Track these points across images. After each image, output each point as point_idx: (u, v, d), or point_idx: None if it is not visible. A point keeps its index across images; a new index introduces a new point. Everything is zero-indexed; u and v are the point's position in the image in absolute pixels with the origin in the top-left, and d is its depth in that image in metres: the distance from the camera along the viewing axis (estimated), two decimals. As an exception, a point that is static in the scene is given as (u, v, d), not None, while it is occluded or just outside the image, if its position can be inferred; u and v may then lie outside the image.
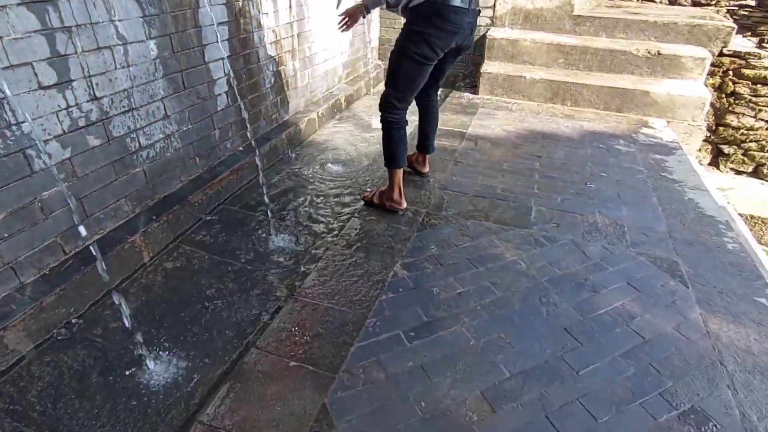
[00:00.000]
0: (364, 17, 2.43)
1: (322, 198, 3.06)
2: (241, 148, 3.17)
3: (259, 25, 3.19)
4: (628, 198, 2.93)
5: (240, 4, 2.96)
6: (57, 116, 1.97)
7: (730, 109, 4.91)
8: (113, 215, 2.32)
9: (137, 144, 2.38)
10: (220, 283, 2.26)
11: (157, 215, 2.45)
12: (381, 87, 5.25)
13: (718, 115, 4.99)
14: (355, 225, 2.56)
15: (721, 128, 4.99)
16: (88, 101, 2.09)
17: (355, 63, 4.88)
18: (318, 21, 3.98)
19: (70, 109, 2.02)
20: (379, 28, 5.31)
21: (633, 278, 2.21)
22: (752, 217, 4.26)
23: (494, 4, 4.84)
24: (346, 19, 2.42)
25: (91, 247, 1.85)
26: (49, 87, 1.91)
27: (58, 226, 2.04)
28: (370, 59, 5.25)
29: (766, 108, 4.76)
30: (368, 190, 2.95)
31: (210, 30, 2.76)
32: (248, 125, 3.24)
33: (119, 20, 2.18)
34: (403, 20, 2.38)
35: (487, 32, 4.81)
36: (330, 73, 4.36)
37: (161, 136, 2.53)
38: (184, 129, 2.70)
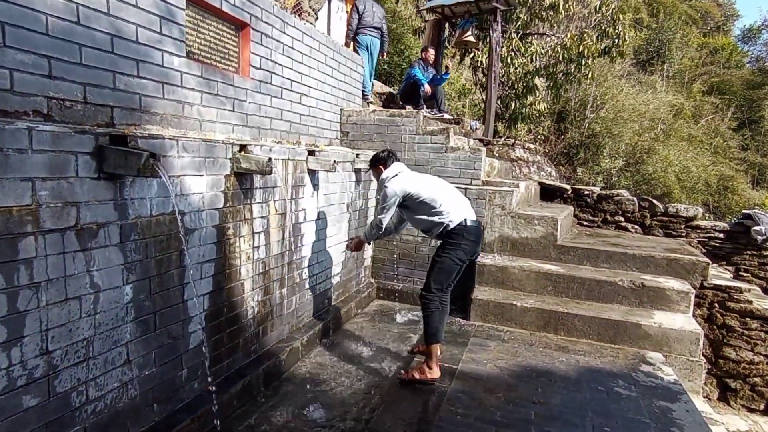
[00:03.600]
0: (368, 244, 3.55)
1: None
2: (210, 388, 2.88)
3: (248, 259, 3.19)
4: None
5: (231, 240, 2.99)
6: (-7, 377, 1.75)
7: (726, 341, 4.84)
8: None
9: (84, 397, 2.11)
10: None
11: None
12: (373, 306, 5.22)
13: (715, 347, 4.89)
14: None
15: (721, 361, 4.85)
16: (36, 357, 1.89)
17: (347, 283, 4.88)
18: (312, 246, 4.05)
19: (11, 368, 1.81)
20: (373, 248, 5.45)
21: None
22: None
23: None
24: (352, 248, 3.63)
25: None
26: (-6, 346, 1.74)
27: None
28: (363, 278, 5.28)
29: (761, 342, 4.69)
30: (403, 372, 3.51)
31: (195, 268, 2.72)
32: (222, 361, 3.01)
33: (97, 269, 2.12)
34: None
35: (476, 258, 4.91)
36: (320, 296, 4.30)
37: (116, 384, 2.28)
38: (146, 374, 2.46)
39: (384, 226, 3.56)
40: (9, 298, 1.75)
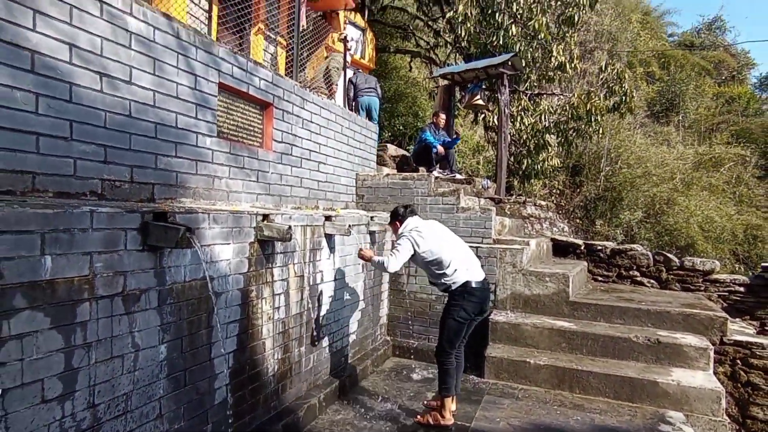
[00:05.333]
0: (377, 265, 3.87)
1: None
2: (233, 443, 3.05)
3: (269, 319, 3.42)
4: None
5: (254, 301, 3.24)
6: (48, 428, 1.98)
7: (752, 400, 4.71)
8: None
9: (121, 451, 2.32)
10: None
11: None
12: (389, 364, 5.33)
13: (741, 406, 4.77)
14: None
15: (749, 421, 4.72)
16: (83, 410, 2.13)
17: (363, 341, 5.03)
18: (329, 305, 4.27)
19: (63, 419, 2.04)
20: (388, 306, 5.62)
21: None
22: None
23: (495, 290, 5.18)
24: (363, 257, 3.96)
25: None
26: (50, 400, 1.98)
27: None
28: (379, 336, 5.42)
29: None
30: (419, 416, 3.88)
31: (221, 328, 2.95)
32: (244, 417, 3.18)
33: (138, 330, 2.38)
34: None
35: (489, 315, 5.03)
36: (337, 354, 4.47)
37: (150, 438, 2.49)
38: (176, 427, 2.66)
39: (390, 265, 3.66)
40: (66, 356, 2.02)
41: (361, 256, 4.00)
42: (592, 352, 4.68)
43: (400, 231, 3.84)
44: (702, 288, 6.20)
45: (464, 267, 3.69)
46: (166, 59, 3.07)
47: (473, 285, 3.64)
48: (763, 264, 6.31)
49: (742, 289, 6.04)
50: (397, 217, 3.93)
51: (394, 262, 3.65)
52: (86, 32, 2.60)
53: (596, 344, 4.67)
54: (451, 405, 3.80)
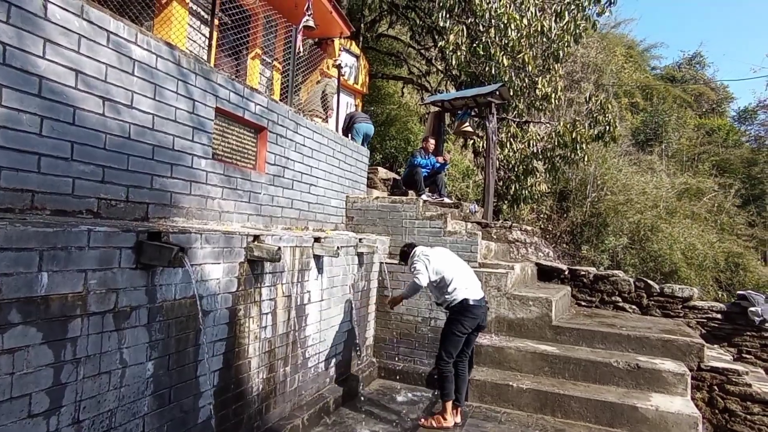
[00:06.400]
0: (403, 302, 4.61)
1: None
2: (216, 463, 3.07)
3: (256, 338, 3.47)
4: None
5: (241, 320, 3.30)
6: (33, 444, 2.02)
7: (729, 426, 4.77)
8: None
9: (103, 469, 2.35)
10: None
11: None
12: (374, 385, 5.36)
13: None
14: None
15: None
16: (68, 425, 2.16)
17: (349, 362, 5.07)
18: (316, 326, 4.33)
19: (48, 436, 2.08)
20: (375, 327, 5.67)
21: None
22: None
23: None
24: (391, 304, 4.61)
25: None
26: (37, 415, 2.02)
27: None
28: (365, 357, 5.46)
29: (765, 427, 4.62)
30: (422, 419, 4.22)
31: (208, 346, 3.01)
32: (229, 436, 3.21)
33: (126, 347, 2.43)
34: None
35: (483, 329, 5.08)
36: (322, 374, 4.51)
37: (132, 457, 2.51)
38: (159, 446, 2.69)
39: (421, 281, 4.08)
40: (55, 372, 2.07)
41: (392, 304, 4.63)
42: (574, 376, 4.76)
43: (411, 255, 4.33)
44: (681, 314, 6.32)
45: (464, 286, 4.11)
46: (166, 85, 3.19)
47: (471, 302, 4.05)
48: (738, 292, 6.48)
49: (719, 316, 6.17)
50: (405, 255, 4.46)
51: (421, 276, 4.09)
52: (92, 59, 2.72)
53: (578, 368, 4.75)
54: (451, 411, 4.15)
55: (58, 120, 2.56)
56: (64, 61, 2.58)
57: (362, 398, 4.95)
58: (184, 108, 3.32)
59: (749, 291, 6.37)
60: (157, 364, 2.64)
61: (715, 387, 4.88)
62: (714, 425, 4.87)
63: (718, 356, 5.38)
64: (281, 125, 4.46)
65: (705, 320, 6.23)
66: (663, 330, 5.28)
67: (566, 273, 6.91)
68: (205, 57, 4.65)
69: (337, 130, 6.59)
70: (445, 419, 4.13)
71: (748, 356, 5.97)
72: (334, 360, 4.75)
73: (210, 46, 4.67)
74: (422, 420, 4.22)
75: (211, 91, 3.58)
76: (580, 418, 4.39)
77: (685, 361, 4.81)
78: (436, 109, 8.74)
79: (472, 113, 8.84)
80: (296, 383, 4.08)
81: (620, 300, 6.66)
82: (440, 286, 4.17)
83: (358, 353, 5.24)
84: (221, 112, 3.73)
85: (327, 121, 6.74)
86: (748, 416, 4.71)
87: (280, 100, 5.04)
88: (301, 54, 5.79)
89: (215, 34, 5.08)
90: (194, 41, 5.18)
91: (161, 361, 2.66)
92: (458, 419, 4.21)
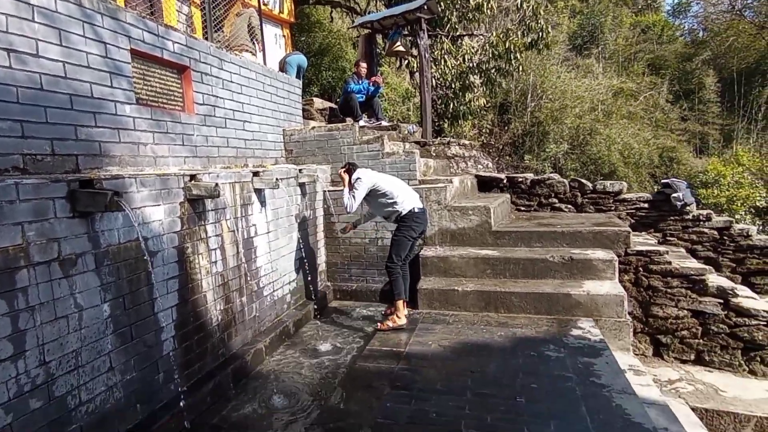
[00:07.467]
0: (354, 228, 5.24)
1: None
2: (185, 388, 3.31)
3: (208, 273, 3.63)
4: (557, 410, 3.05)
5: (191, 258, 3.43)
6: (6, 385, 2.17)
7: (652, 301, 5.29)
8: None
9: (77, 400, 2.53)
10: None
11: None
12: (331, 306, 5.67)
13: (644, 307, 5.35)
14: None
15: (651, 319, 5.27)
16: (36, 367, 2.31)
17: (305, 288, 5.33)
18: (266, 257, 4.50)
19: (18, 377, 2.23)
20: (326, 253, 5.91)
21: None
22: (707, 411, 4.22)
23: (423, 230, 5.55)
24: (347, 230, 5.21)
25: None
26: (3, 360, 2.15)
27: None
28: (319, 282, 5.73)
29: (682, 298, 5.17)
30: (379, 323, 4.68)
31: (161, 285, 3.14)
32: (193, 365, 3.44)
33: (79, 292, 2.54)
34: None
35: (420, 252, 5.42)
36: (279, 301, 4.75)
37: (103, 388, 2.70)
38: (128, 378, 2.88)
39: (352, 205, 4.51)
40: (12, 320, 2.18)
41: (344, 232, 5.30)
42: (514, 275, 5.13)
43: (353, 178, 4.62)
44: (613, 208, 6.80)
45: (407, 198, 4.65)
46: (71, 29, 3.05)
47: (416, 210, 4.62)
48: (663, 180, 6.97)
49: (646, 205, 6.67)
50: (346, 166, 4.74)
51: (352, 202, 4.51)
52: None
53: (518, 267, 5.12)
54: (402, 308, 4.63)
55: (-38, 77, 2.47)
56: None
57: (320, 319, 5.26)
58: (96, 53, 3.21)
59: (672, 179, 6.84)
60: (113, 305, 2.77)
61: (640, 268, 5.29)
62: (640, 301, 5.37)
63: (644, 241, 5.82)
64: (204, 63, 4.36)
65: (634, 211, 6.71)
66: (595, 224, 5.66)
67: (505, 182, 7.24)
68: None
69: (265, 63, 6.43)
70: (399, 317, 4.60)
71: (671, 239, 6.53)
72: (288, 287, 4.98)
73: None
74: (379, 324, 4.66)
75: (123, 31, 3.45)
76: (521, 311, 4.78)
77: (614, 248, 5.20)
78: (366, 31, 8.57)
79: (404, 32, 8.72)
80: (254, 312, 4.30)
81: (557, 201, 7.06)
82: (386, 203, 4.61)
83: (312, 279, 5.49)
84: (137, 54, 3.62)
85: (256, 55, 6.55)
86: (669, 290, 5.20)
87: (203, 38, 4.87)
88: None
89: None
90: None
91: (116, 302, 2.79)
92: (405, 311, 4.70)
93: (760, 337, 4.76)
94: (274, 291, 4.66)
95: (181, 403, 3.13)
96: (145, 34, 3.67)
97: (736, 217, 10.47)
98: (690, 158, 21.08)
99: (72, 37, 3.05)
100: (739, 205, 10.76)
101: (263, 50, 6.64)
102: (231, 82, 4.77)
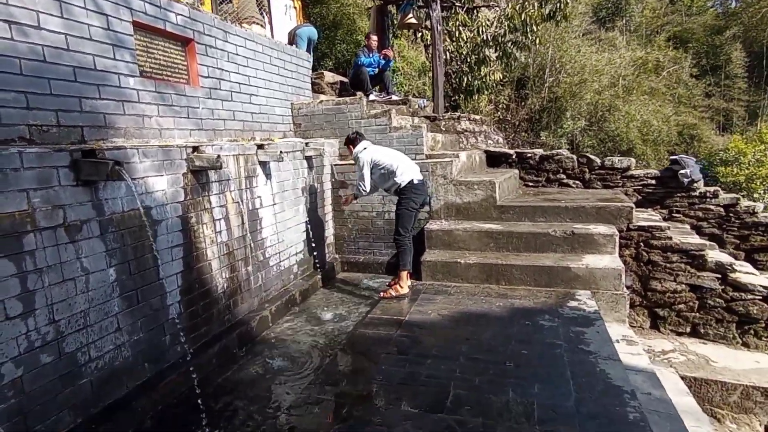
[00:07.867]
0: (356, 200, 5.25)
1: (264, 402, 3.27)
2: (192, 350, 3.48)
3: (212, 242, 3.76)
4: (542, 374, 3.18)
5: (195, 227, 3.56)
6: (17, 341, 2.33)
7: (652, 275, 5.40)
8: (53, 428, 2.52)
9: (87, 357, 2.71)
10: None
11: (97, 425, 2.66)
12: (339, 277, 5.81)
13: (644, 281, 5.46)
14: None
15: (649, 293, 5.42)
16: (46, 325, 2.48)
17: (311, 259, 5.46)
18: (272, 228, 4.62)
19: (29, 333, 2.39)
20: (334, 226, 6.02)
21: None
22: (695, 379, 4.38)
23: (429, 202, 5.61)
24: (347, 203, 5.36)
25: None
26: (14, 317, 2.31)
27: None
28: (327, 254, 5.86)
29: (681, 272, 5.26)
30: (382, 292, 4.83)
31: (166, 252, 3.28)
32: (200, 329, 3.60)
33: (85, 256, 2.69)
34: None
35: (425, 226, 5.50)
36: (285, 272, 4.89)
37: (111, 347, 2.87)
38: (135, 338, 3.05)
39: (364, 188, 4.83)
40: (20, 280, 2.33)
41: (345, 204, 5.47)
42: (516, 248, 5.19)
43: (354, 152, 4.85)
44: (620, 184, 6.79)
45: (408, 170, 4.77)
46: (72, 1, 3.13)
47: (415, 182, 4.75)
48: (671, 157, 6.90)
49: (653, 181, 6.64)
50: (349, 142, 4.98)
51: (363, 185, 4.81)
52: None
53: (520, 241, 5.18)
54: (405, 278, 4.81)
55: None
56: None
57: (326, 289, 5.41)
58: (97, 24, 3.29)
59: (681, 155, 6.77)
60: (119, 270, 2.92)
61: (641, 243, 5.37)
62: (639, 276, 5.45)
63: (648, 217, 5.82)
64: (209, 35, 4.41)
65: (641, 187, 6.70)
66: (599, 199, 5.67)
67: (514, 157, 7.24)
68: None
69: (273, 36, 6.45)
70: (401, 287, 4.77)
71: (677, 215, 6.53)
72: (295, 258, 5.12)
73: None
74: (382, 293, 4.80)
75: (124, 3, 3.51)
76: (521, 283, 4.88)
77: (616, 224, 5.23)
78: (379, 2, 8.50)
79: (418, 3, 8.63)
80: (260, 281, 4.45)
81: (564, 177, 7.07)
82: (387, 174, 4.75)
83: (320, 250, 5.61)
84: (140, 25, 3.69)
85: (265, 27, 6.57)
86: (668, 265, 5.27)
87: (211, 11, 4.92)
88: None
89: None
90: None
91: (122, 267, 2.94)
92: (409, 282, 4.88)
93: (755, 311, 4.82)
94: (280, 261, 4.80)
95: (188, 364, 3.30)
96: (147, 6, 3.73)
97: (755, 195, 10.30)
98: (712, 136, 20.57)
99: (73, 9, 3.13)
100: (758, 183, 10.55)
101: (270, 23, 6.66)
102: (236, 54, 4.83)
